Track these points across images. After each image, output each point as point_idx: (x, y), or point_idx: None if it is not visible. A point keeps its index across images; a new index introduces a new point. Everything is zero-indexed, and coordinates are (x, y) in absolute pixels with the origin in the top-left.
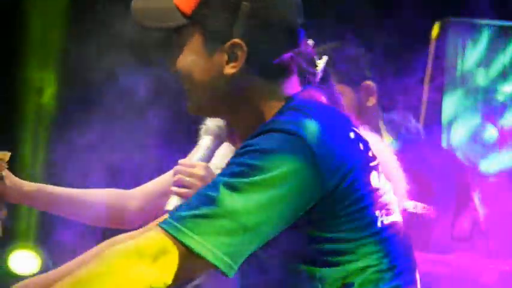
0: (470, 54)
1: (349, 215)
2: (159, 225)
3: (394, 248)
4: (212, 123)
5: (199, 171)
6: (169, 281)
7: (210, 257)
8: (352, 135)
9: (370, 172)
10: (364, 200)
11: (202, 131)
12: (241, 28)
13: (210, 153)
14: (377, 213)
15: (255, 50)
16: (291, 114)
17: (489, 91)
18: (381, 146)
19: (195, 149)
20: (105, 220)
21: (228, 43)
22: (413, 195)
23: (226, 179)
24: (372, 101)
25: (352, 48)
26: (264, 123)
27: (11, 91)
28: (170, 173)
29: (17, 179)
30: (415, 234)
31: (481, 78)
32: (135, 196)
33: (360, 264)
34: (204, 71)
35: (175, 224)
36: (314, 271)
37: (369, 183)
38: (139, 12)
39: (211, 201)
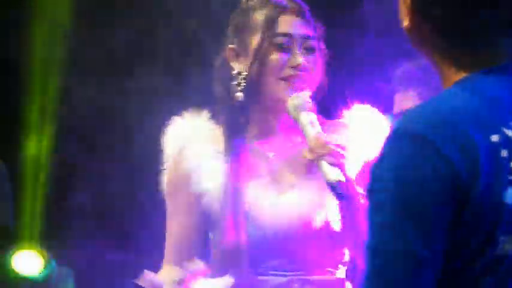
0: None
1: (465, 225)
2: None
3: None
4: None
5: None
6: None
7: None
8: (495, 138)
9: (506, 185)
10: (488, 215)
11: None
12: None
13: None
14: (501, 238)
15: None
16: (433, 103)
17: None
18: None
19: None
20: None
21: None
22: None
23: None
24: None
25: None
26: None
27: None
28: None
29: None
30: None
31: None
32: None
33: None
34: None
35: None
36: None
37: (500, 199)
38: None
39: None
